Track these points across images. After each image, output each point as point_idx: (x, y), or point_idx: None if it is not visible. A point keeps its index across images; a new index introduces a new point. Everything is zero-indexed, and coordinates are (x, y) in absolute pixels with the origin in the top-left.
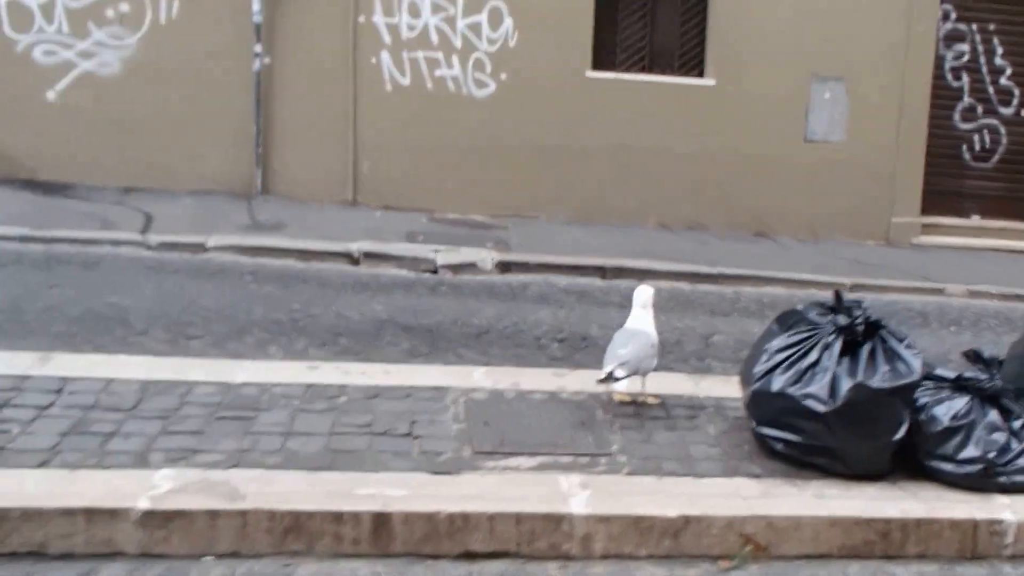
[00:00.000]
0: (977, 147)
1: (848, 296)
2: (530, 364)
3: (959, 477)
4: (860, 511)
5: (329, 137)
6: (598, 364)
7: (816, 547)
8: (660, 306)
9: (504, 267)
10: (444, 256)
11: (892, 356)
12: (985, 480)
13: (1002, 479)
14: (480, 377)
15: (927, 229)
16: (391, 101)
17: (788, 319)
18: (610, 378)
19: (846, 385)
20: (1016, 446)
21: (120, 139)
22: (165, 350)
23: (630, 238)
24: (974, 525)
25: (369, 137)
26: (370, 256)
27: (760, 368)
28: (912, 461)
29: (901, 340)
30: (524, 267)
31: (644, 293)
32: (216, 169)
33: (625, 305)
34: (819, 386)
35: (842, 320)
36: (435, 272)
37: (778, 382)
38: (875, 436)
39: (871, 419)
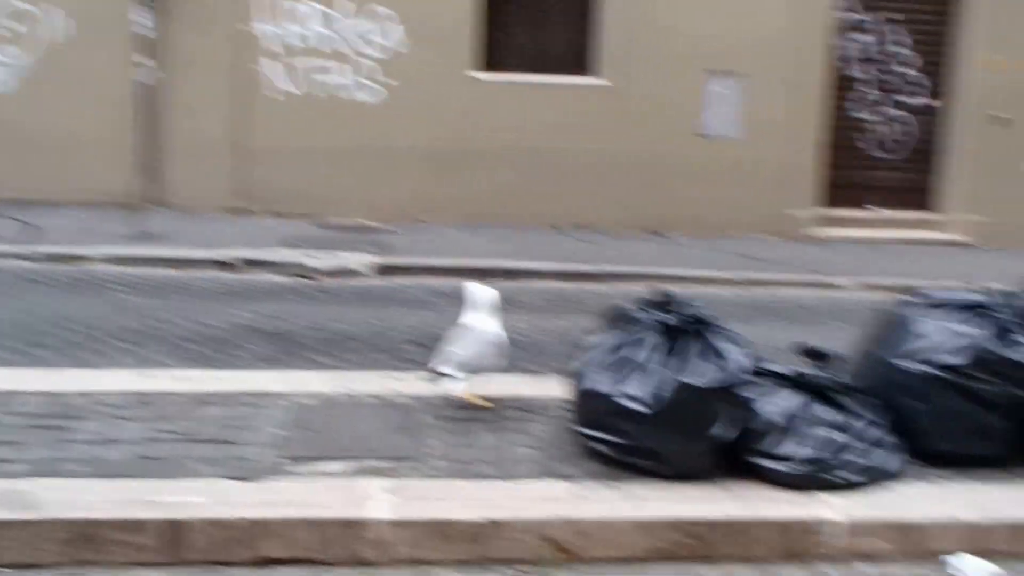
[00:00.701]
0: (882, 139)
1: (677, 294)
2: (383, 368)
3: (785, 475)
4: (673, 513)
5: (218, 147)
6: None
7: (626, 551)
8: (536, 307)
9: (384, 271)
10: (322, 261)
11: (719, 354)
12: (811, 478)
13: (829, 477)
14: (314, 382)
15: (828, 222)
16: (280, 110)
17: (618, 318)
18: (434, 375)
19: (669, 385)
20: (847, 443)
21: (12, 154)
22: (7, 359)
23: (520, 241)
24: (794, 525)
25: (258, 146)
26: (248, 263)
27: (584, 368)
28: (739, 460)
29: (729, 338)
30: (404, 271)
31: (483, 292)
32: (106, 182)
33: (504, 308)
34: (641, 386)
35: (669, 319)
36: (311, 278)
37: (601, 383)
38: (699, 436)
39: (695, 419)
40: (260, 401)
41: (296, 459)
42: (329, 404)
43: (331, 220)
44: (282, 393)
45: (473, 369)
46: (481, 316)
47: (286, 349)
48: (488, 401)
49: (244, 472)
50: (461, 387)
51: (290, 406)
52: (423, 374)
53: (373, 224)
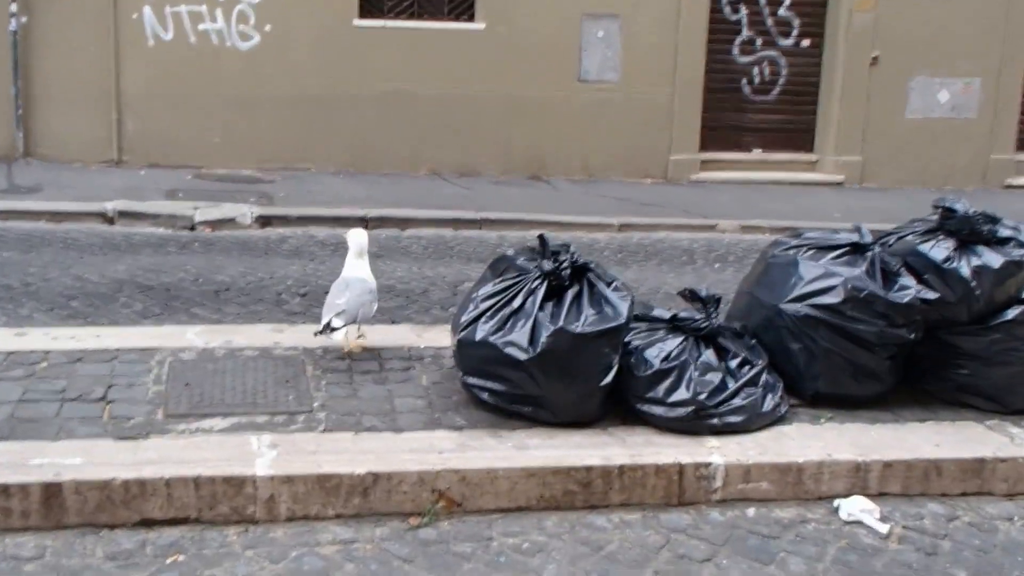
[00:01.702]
0: (757, 80)
1: (557, 240)
2: (264, 320)
3: (670, 420)
4: (559, 460)
5: (91, 96)
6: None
7: (513, 500)
8: (416, 254)
9: (264, 221)
10: (202, 212)
11: (598, 300)
12: (697, 422)
13: (714, 421)
14: (193, 337)
15: (707, 165)
16: (154, 57)
17: (499, 265)
18: (328, 329)
19: (547, 331)
20: (731, 385)
21: None
22: None
23: (400, 187)
24: (680, 469)
25: (133, 94)
26: (125, 215)
27: (466, 317)
28: (625, 406)
29: (609, 283)
30: (284, 221)
31: (358, 237)
32: None
33: (381, 255)
34: (520, 333)
35: (547, 265)
36: (192, 229)
37: (481, 330)
38: (581, 382)
39: (575, 365)
40: (139, 357)
41: (176, 416)
42: (210, 358)
43: (210, 170)
44: (161, 348)
45: (356, 317)
46: (361, 263)
47: (166, 303)
48: (362, 347)
49: (122, 431)
50: (342, 335)
51: (170, 362)
52: (316, 329)
53: (253, 173)
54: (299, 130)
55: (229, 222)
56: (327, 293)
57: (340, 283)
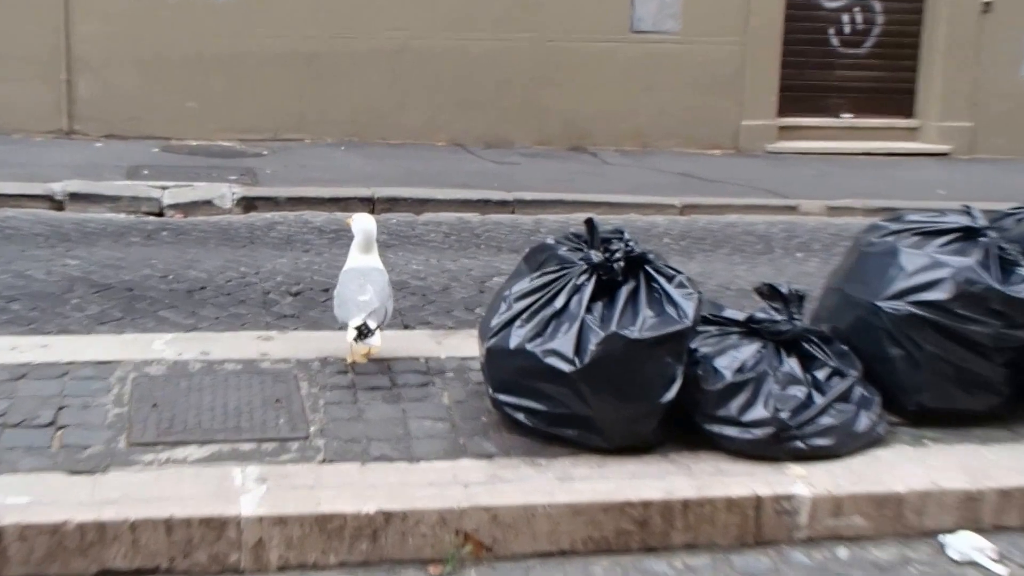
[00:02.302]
0: (847, 30)
1: (607, 225)
2: (248, 326)
3: (745, 444)
4: (611, 494)
5: (36, 54)
6: (333, 324)
7: (555, 542)
8: (435, 244)
9: (248, 204)
10: (172, 194)
11: (658, 298)
12: (777, 446)
13: (798, 444)
14: (161, 347)
15: (786, 133)
16: (113, 8)
17: (537, 256)
18: (364, 334)
19: (597, 337)
20: (818, 401)
21: None
22: None
23: (414, 161)
24: (757, 503)
25: (86, 52)
26: (77, 198)
27: (497, 320)
28: (690, 426)
29: (671, 278)
30: (273, 203)
31: (365, 224)
32: None
33: (391, 244)
34: (564, 339)
35: (596, 256)
36: (160, 215)
37: (516, 336)
38: (637, 398)
39: (630, 378)
40: (96, 373)
41: (142, 445)
42: (183, 374)
43: (182, 141)
44: (123, 362)
45: (384, 320)
46: (370, 258)
47: (128, 305)
48: (366, 356)
49: (77, 464)
50: (377, 342)
51: (134, 378)
52: (350, 334)
53: (234, 145)
54: (291, 93)
55: (205, 205)
56: (327, 290)
57: (353, 275)
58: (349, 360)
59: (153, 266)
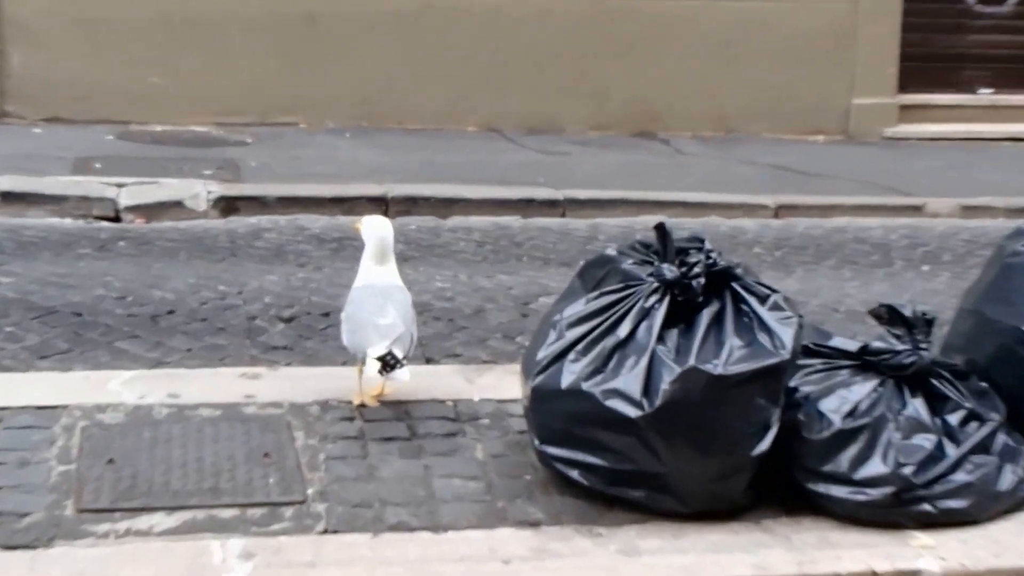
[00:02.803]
0: None
1: (683, 232)
2: (229, 361)
3: (858, 507)
4: (690, 570)
5: None
6: (335, 356)
7: None
8: (465, 255)
9: (228, 206)
10: (131, 193)
11: (749, 324)
12: (899, 509)
13: (925, 507)
14: (119, 388)
15: (908, 114)
16: None
17: (594, 271)
18: (390, 365)
19: (671, 373)
20: (951, 453)
21: None
22: None
23: (438, 151)
24: None
25: (20, 14)
26: (11, 199)
27: (545, 353)
28: (788, 485)
29: (764, 298)
30: (259, 205)
31: (378, 230)
32: None
33: (410, 255)
34: (630, 377)
35: (669, 271)
36: (116, 219)
37: (569, 373)
38: (722, 450)
39: (713, 424)
40: (36, 420)
41: (96, 511)
42: (146, 421)
43: (143, 126)
44: (70, 407)
45: (411, 349)
46: (385, 271)
47: (76, 335)
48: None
49: (12, 536)
50: (406, 376)
51: (84, 427)
52: (371, 367)
53: (211, 131)
54: (281, 65)
55: (173, 207)
56: (328, 315)
57: (368, 293)
58: (356, 402)
59: (108, 284)
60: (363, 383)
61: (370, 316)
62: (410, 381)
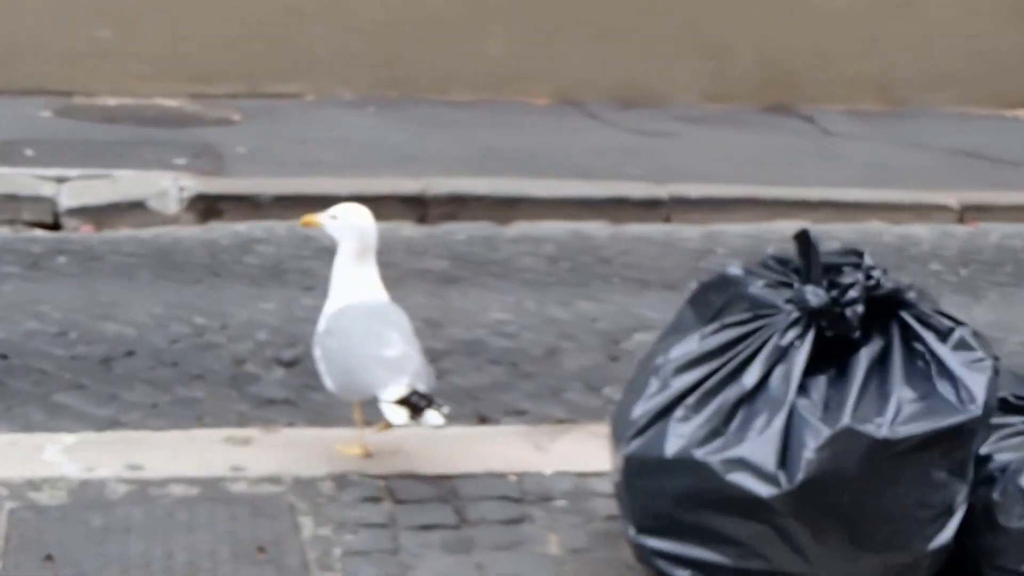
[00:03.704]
0: None
1: (833, 243)
2: (209, 419)
3: None
4: None
5: None
6: (344, 414)
7: None
8: (532, 275)
9: (208, 208)
10: (75, 191)
11: (925, 369)
12: None
13: None
14: (59, 456)
15: None
16: None
17: (711, 297)
18: (421, 404)
19: (817, 436)
20: None
21: None
22: None
23: (493, 131)
24: None
25: None
26: None
27: (644, 408)
28: None
29: (945, 334)
30: (250, 206)
31: (356, 220)
32: None
33: (454, 276)
34: (761, 442)
35: (815, 295)
36: (55, 226)
37: (677, 437)
38: (888, 542)
39: (876, 506)
40: None
41: None
42: (97, 503)
43: (90, 100)
44: None
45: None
46: (367, 271)
47: (1, 383)
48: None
49: None
50: (441, 420)
51: (11, 511)
52: (395, 413)
53: (181, 106)
54: (278, 17)
55: (132, 210)
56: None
57: (358, 315)
58: (354, 452)
59: (43, 316)
60: (360, 433)
61: (370, 348)
62: (454, 447)
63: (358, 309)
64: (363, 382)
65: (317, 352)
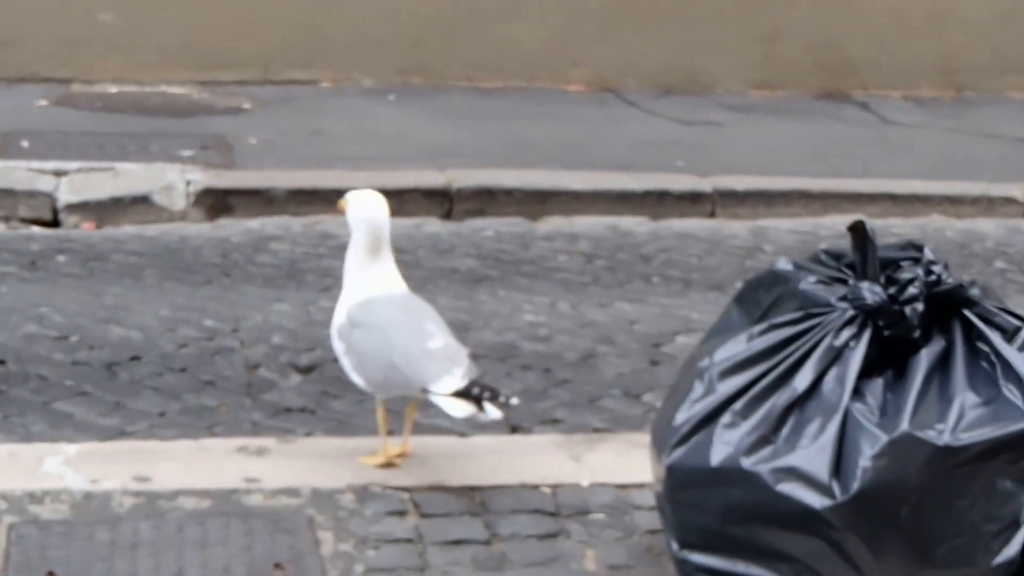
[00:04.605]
0: None
1: (891, 238)
2: (220, 429)
3: None
4: None
5: None
6: (365, 423)
7: None
8: (566, 275)
9: (217, 203)
10: (75, 185)
11: (991, 371)
12: None
13: None
14: (62, 467)
15: None
16: None
17: (759, 295)
18: (486, 396)
19: (875, 443)
20: None
21: None
22: None
23: (524, 121)
24: None
25: None
26: None
27: (688, 415)
28: None
29: (1014, 332)
30: (263, 201)
31: (370, 211)
32: None
33: (497, 277)
34: (813, 450)
35: (871, 292)
36: (54, 223)
37: (724, 445)
38: (949, 559)
39: (938, 518)
40: None
41: None
42: (102, 516)
43: (90, 88)
44: None
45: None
46: (386, 267)
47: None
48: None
49: None
50: (498, 413)
51: (13, 524)
52: (454, 407)
53: (188, 94)
54: (295, 3)
55: (137, 205)
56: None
57: (389, 308)
58: (377, 461)
59: (43, 319)
60: (385, 434)
61: (414, 341)
62: (485, 459)
63: (387, 300)
64: (410, 376)
65: (340, 347)
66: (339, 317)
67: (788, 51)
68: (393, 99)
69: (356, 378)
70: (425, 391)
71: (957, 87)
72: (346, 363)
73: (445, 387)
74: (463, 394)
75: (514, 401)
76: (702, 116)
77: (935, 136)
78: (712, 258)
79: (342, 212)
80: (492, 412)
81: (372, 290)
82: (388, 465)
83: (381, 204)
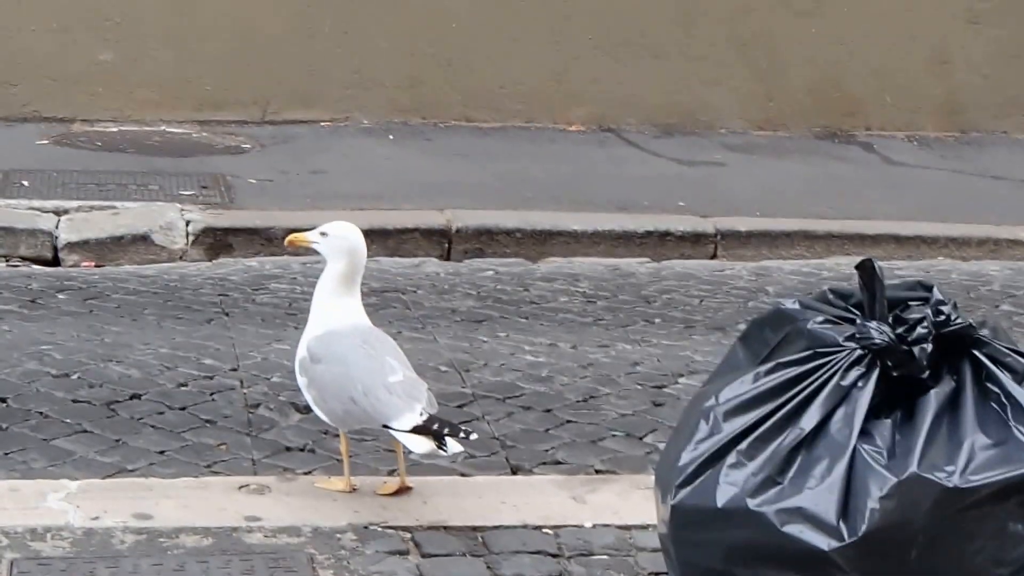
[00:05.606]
0: None
1: (897, 275)
2: (221, 466)
3: None
4: None
5: None
6: (378, 461)
7: None
8: (566, 315)
9: (217, 242)
10: (74, 224)
11: (1001, 412)
12: None
13: None
14: (62, 504)
15: None
16: None
17: (765, 335)
18: (445, 432)
19: (882, 484)
20: None
21: None
22: None
23: (523, 160)
24: None
25: None
26: None
27: (693, 455)
28: None
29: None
30: (262, 240)
31: (346, 241)
32: None
33: (497, 317)
34: (821, 491)
35: (879, 332)
36: (54, 262)
37: (729, 486)
38: None
39: (947, 561)
40: None
41: None
42: (103, 553)
43: (90, 127)
44: None
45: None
46: (351, 300)
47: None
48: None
49: None
50: (460, 448)
51: (14, 561)
52: (415, 443)
53: (188, 133)
54: (294, 39)
55: (136, 244)
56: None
57: (352, 340)
58: (332, 487)
59: (43, 356)
60: (347, 459)
61: (376, 375)
62: (486, 499)
63: (347, 334)
64: (369, 411)
65: (303, 381)
66: (301, 351)
67: (790, 90)
68: (392, 138)
69: (318, 412)
70: (386, 427)
71: (961, 127)
72: (308, 396)
73: (405, 423)
74: (423, 430)
75: (473, 436)
76: (703, 156)
77: (939, 177)
78: (714, 299)
79: (296, 246)
80: (453, 447)
81: (335, 322)
82: (351, 490)
83: (360, 234)
